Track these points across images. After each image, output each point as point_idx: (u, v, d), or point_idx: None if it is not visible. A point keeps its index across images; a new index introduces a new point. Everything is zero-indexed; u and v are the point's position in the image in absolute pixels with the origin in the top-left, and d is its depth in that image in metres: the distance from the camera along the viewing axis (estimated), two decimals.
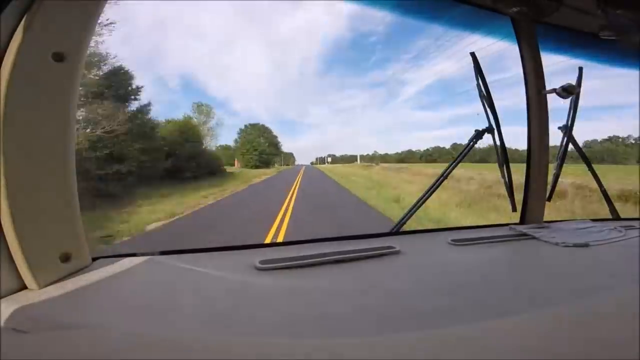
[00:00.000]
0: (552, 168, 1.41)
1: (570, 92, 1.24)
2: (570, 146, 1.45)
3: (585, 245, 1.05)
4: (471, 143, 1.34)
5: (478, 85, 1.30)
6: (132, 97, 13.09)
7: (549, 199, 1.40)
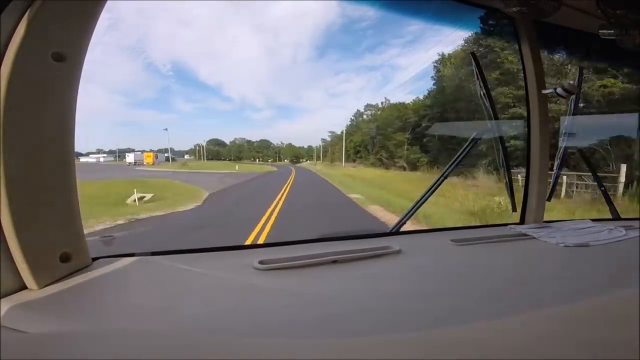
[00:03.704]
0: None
1: (570, 92, 1.24)
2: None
3: (585, 245, 1.05)
4: (471, 143, 1.34)
5: (478, 84, 1.30)
6: None
7: (549, 199, 1.40)
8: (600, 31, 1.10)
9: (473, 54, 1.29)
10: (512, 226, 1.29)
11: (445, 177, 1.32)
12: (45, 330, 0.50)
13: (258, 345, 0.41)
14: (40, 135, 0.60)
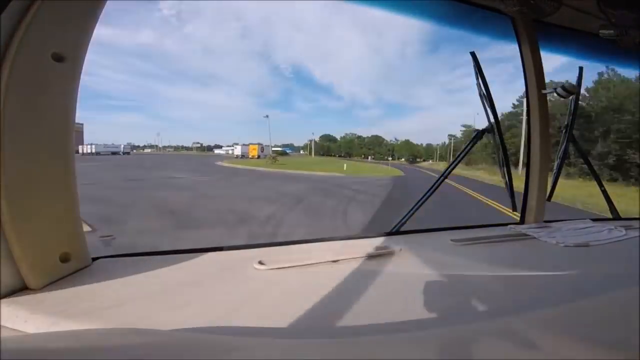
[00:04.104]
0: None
1: (570, 91, 1.24)
2: None
3: (585, 245, 1.05)
4: (471, 143, 1.34)
5: (478, 84, 1.30)
6: None
7: (549, 199, 1.40)
8: (600, 31, 1.10)
9: (473, 53, 1.29)
10: (512, 226, 1.29)
11: (446, 177, 1.32)
12: (45, 330, 0.50)
13: (258, 345, 0.41)
14: (40, 135, 0.60)
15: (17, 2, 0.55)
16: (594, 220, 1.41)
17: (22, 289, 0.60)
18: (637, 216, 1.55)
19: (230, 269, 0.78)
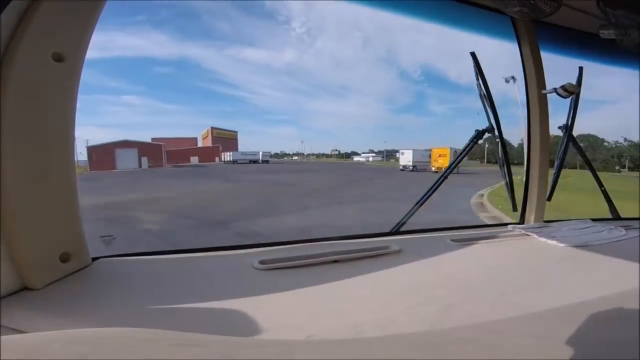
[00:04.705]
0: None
1: (570, 91, 1.24)
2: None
3: (585, 245, 1.05)
4: (471, 143, 1.34)
5: (478, 85, 1.30)
6: None
7: (549, 198, 1.40)
8: (600, 31, 1.10)
9: (473, 53, 1.29)
10: (512, 226, 1.29)
11: (446, 177, 1.32)
12: (45, 330, 0.50)
13: (258, 345, 0.41)
14: (41, 135, 0.60)
15: (17, 2, 0.55)
16: (594, 220, 1.41)
17: (22, 289, 0.60)
18: (637, 216, 1.55)
19: (231, 268, 0.78)
